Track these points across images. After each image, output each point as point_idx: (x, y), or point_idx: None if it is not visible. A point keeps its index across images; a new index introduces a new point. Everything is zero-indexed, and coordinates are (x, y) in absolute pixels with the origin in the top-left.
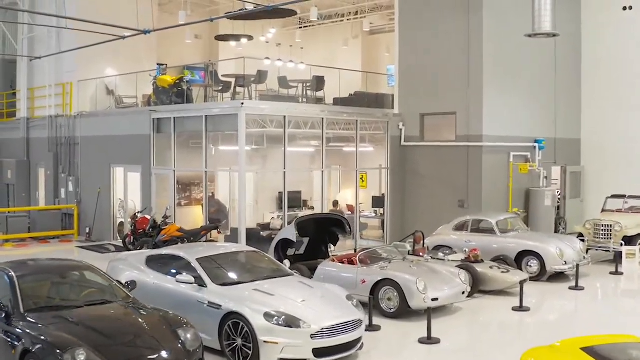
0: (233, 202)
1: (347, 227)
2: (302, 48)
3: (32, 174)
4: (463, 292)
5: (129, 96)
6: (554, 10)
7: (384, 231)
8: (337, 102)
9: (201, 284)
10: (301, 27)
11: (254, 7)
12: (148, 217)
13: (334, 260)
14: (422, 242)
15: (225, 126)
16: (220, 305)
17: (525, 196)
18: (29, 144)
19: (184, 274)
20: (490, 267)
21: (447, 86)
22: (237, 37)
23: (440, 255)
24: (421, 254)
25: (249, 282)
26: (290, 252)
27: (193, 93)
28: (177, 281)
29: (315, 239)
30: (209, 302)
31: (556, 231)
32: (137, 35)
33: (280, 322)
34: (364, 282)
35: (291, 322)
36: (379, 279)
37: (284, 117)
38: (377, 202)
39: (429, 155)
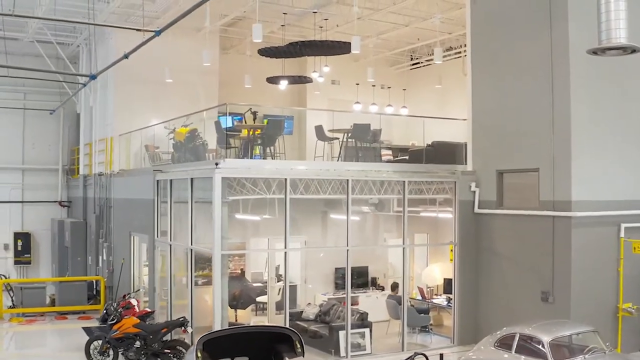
0: (271, 281)
1: (298, 345)
2: (404, 89)
3: (88, 236)
4: None
5: (167, 152)
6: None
7: (453, 325)
8: (412, 157)
9: None
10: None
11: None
12: (133, 301)
13: None
14: None
15: (209, 192)
16: None
17: None
18: (86, 203)
19: None
20: None
21: (528, 133)
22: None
23: None
24: None
25: None
26: None
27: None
28: None
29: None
30: None
31: None
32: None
33: None
34: None
35: None
36: None
37: (285, 179)
38: (450, 286)
39: (509, 227)
